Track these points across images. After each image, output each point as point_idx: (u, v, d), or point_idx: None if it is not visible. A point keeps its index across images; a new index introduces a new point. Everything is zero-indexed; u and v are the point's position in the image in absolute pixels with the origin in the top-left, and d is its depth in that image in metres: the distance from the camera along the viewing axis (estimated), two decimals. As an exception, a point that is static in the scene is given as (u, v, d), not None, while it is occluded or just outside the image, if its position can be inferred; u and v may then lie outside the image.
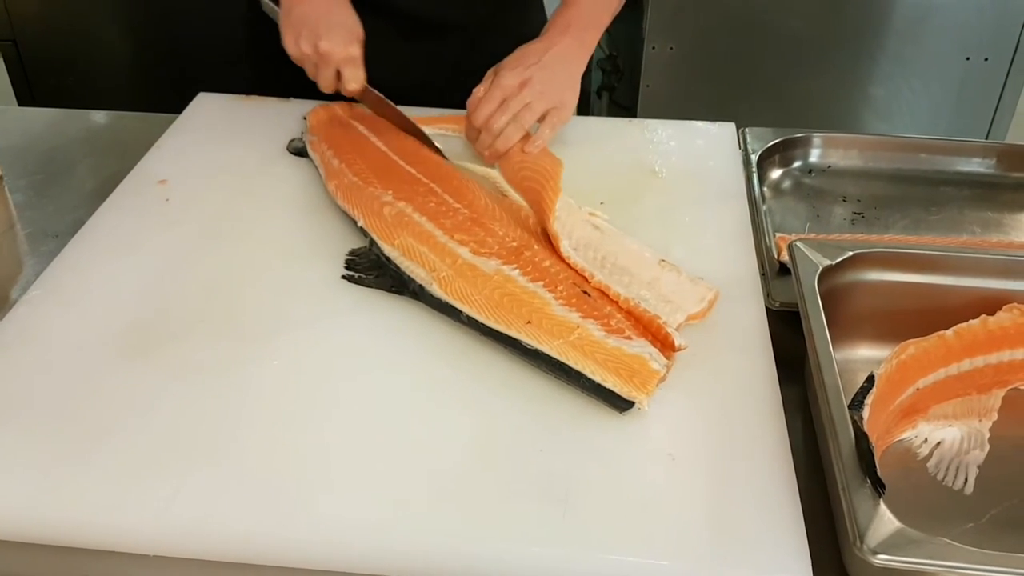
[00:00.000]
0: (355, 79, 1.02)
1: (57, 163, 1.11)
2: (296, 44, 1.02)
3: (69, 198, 1.04)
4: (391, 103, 1.05)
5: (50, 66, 2.25)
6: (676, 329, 0.77)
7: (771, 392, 0.74)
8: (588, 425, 0.71)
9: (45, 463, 0.67)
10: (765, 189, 1.05)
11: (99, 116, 1.21)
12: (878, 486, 0.60)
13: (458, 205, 0.90)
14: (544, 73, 0.99)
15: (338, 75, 1.02)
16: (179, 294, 0.84)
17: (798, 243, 0.81)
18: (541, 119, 0.99)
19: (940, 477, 0.72)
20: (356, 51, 1.02)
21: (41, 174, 1.09)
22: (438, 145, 1.02)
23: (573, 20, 1.06)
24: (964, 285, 0.81)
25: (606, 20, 1.09)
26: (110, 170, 1.05)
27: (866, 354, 0.82)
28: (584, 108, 1.14)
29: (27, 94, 2.26)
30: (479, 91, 1.00)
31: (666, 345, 0.76)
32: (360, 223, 0.89)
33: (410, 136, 1.04)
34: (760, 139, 1.08)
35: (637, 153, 1.06)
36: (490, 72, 1.02)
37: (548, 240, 0.86)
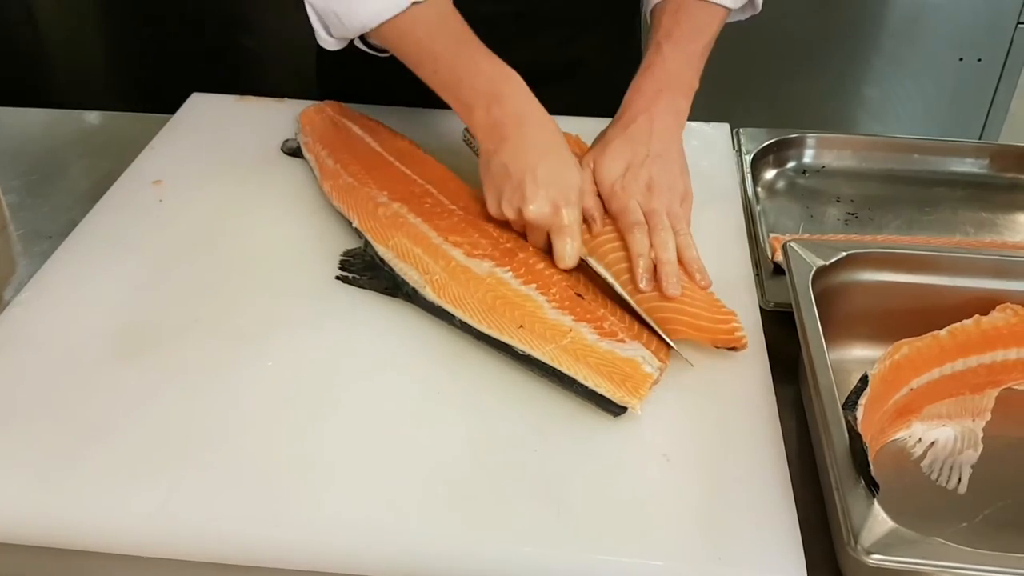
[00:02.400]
0: (569, 256, 0.81)
1: (50, 164, 1.10)
2: (498, 207, 0.84)
3: (63, 199, 1.04)
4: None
5: (42, 66, 2.24)
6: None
7: (765, 392, 0.74)
8: (582, 426, 0.71)
9: (39, 464, 0.67)
10: (759, 189, 1.05)
11: (92, 116, 1.21)
12: (872, 486, 0.60)
13: (453, 206, 0.90)
14: (659, 164, 0.86)
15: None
16: (173, 295, 0.83)
17: (792, 243, 0.81)
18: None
19: (934, 477, 0.72)
20: (570, 216, 0.80)
21: (34, 175, 1.08)
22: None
23: (664, 85, 0.91)
24: (958, 285, 0.81)
25: (695, 81, 0.94)
26: (104, 171, 1.05)
27: (860, 354, 0.82)
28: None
29: (19, 94, 2.25)
30: (595, 208, 0.85)
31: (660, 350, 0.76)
32: (355, 224, 0.89)
33: (405, 138, 1.03)
34: (754, 139, 1.08)
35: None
36: (586, 163, 0.87)
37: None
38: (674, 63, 0.92)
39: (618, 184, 0.86)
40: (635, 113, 0.90)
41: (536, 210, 0.80)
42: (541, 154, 0.82)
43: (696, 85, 0.94)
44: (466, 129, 0.91)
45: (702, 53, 0.95)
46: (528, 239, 0.85)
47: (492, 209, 0.85)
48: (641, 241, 0.81)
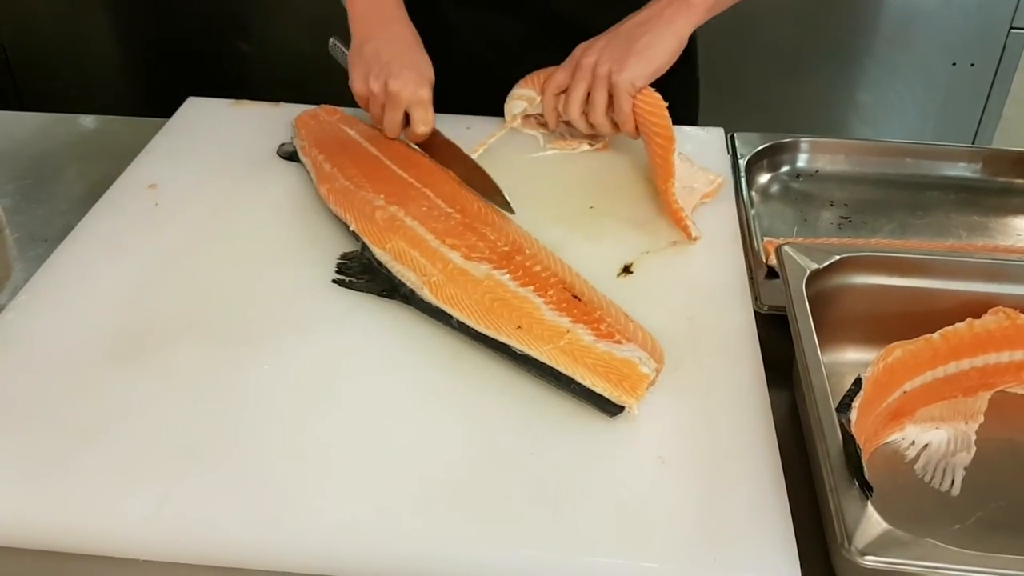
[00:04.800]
0: (425, 122, 1.00)
1: (46, 167, 1.10)
2: (364, 82, 1.00)
3: (58, 202, 1.04)
4: (460, 149, 1.01)
5: (38, 70, 2.24)
6: (692, 211, 0.93)
7: (760, 395, 0.74)
8: (578, 428, 0.71)
9: (34, 468, 0.67)
10: (753, 193, 1.06)
11: (88, 120, 1.21)
12: (866, 488, 0.61)
13: (450, 210, 0.90)
14: (618, 41, 0.99)
15: (406, 118, 1.01)
16: (169, 299, 0.83)
17: (786, 247, 0.81)
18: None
19: (927, 479, 0.73)
20: (427, 94, 1.00)
21: (30, 178, 1.08)
22: (507, 198, 0.94)
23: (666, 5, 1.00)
24: (950, 288, 0.81)
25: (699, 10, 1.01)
26: (99, 174, 1.05)
27: (853, 357, 0.83)
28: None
29: (15, 98, 2.25)
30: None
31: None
32: (352, 227, 0.89)
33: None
34: (748, 144, 1.09)
35: (627, 157, 1.06)
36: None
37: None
38: None
39: (579, 50, 1.01)
40: (641, 11, 1.01)
41: (399, 84, 0.98)
42: (406, 48, 1.02)
43: (699, 15, 1.00)
44: (334, 39, 1.07)
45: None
46: (385, 116, 1.00)
47: (357, 85, 1.01)
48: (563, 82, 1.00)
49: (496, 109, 1.10)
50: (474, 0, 1.17)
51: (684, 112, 1.09)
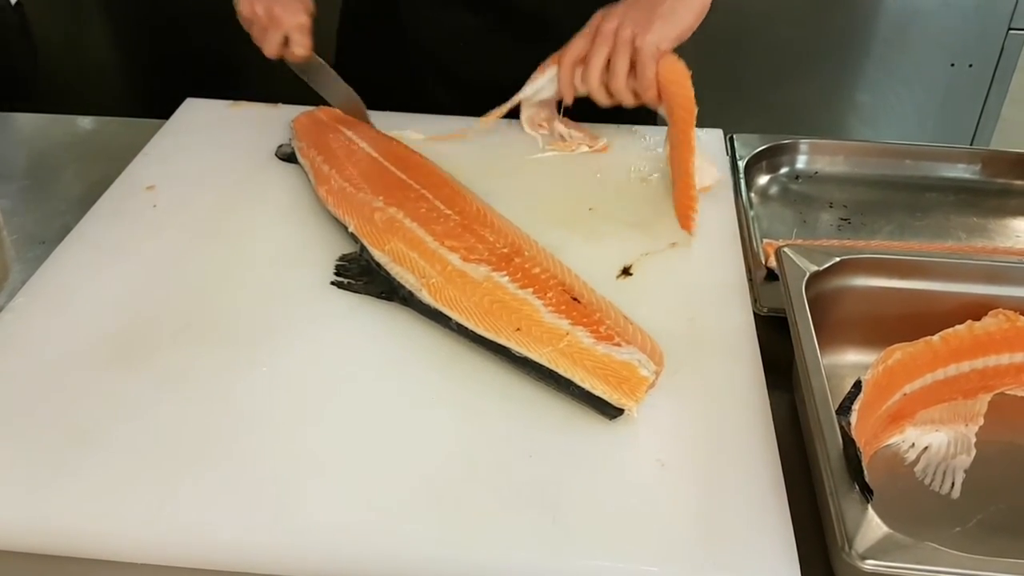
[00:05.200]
0: (302, 45, 1.05)
1: (44, 169, 1.10)
2: (250, 4, 1.04)
3: (56, 204, 1.03)
4: (338, 76, 1.07)
5: (37, 71, 2.24)
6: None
7: (759, 397, 0.74)
8: (577, 431, 0.71)
9: (33, 471, 0.67)
10: (752, 195, 1.05)
11: (86, 122, 1.21)
12: (866, 491, 0.60)
13: (449, 211, 0.90)
14: (640, 8, 0.96)
15: (285, 42, 1.05)
16: (167, 300, 0.83)
17: (785, 249, 0.81)
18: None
19: (927, 482, 0.73)
20: (306, 20, 1.04)
21: (28, 180, 1.08)
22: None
23: None
24: (950, 290, 0.81)
25: None
26: (97, 176, 1.05)
27: (853, 359, 0.82)
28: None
29: (11, 100, 2.25)
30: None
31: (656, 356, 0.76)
32: (350, 228, 0.89)
33: (401, 142, 1.04)
34: (747, 145, 1.09)
35: (627, 159, 1.06)
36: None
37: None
38: None
39: (597, 17, 0.99)
40: None
41: (280, 10, 1.03)
42: None
43: None
44: None
45: None
46: (265, 39, 1.05)
47: (243, 7, 1.05)
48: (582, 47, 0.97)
49: (458, 104, 1.10)
50: None
51: None
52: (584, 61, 0.99)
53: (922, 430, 0.77)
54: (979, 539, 0.68)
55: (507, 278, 0.81)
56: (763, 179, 1.10)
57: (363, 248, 0.87)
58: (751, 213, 0.99)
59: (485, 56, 1.14)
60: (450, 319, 0.78)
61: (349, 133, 1.05)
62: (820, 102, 2.08)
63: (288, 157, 1.05)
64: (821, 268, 0.80)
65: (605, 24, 0.97)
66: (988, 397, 0.79)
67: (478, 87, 1.06)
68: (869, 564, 0.57)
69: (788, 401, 0.78)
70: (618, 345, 0.75)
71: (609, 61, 0.97)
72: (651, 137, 1.10)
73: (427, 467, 0.68)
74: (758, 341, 0.80)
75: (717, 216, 0.96)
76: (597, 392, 0.71)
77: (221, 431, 0.70)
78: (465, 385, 0.75)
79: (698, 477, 0.68)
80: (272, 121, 1.12)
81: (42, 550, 0.65)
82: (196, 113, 1.14)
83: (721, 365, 0.77)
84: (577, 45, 0.99)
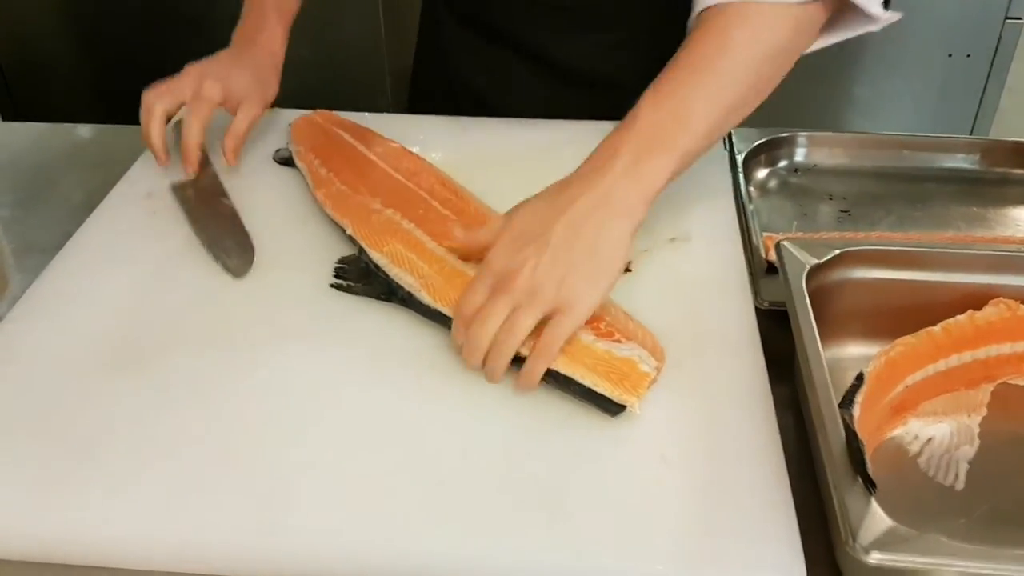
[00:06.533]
0: (192, 164, 0.98)
1: (42, 177, 1.10)
2: (196, 78, 0.99)
3: (55, 212, 1.03)
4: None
5: (33, 80, 2.24)
6: None
7: (761, 391, 0.74)
8: (578, 429, 0.71)
9: (33, 479, 0.67)
10: (751, 189, 1.05)
11: (84, 130, 1.21)
12: (869, 484, 0.60)
13: (447, 212, 0.90)
14: (557, 251, 0.71)
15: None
16: (167, 307, 0.83)
17: (785, 242, 0.81)
18: (541, 323, 0.71)
19: (931, 474, 0.72)
20: (216, 90, 0.99)
21: (27, 189, 1.08)
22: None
23: (624, 142, 0.75)
24: (951, 281, 0.81)
25: (688, 140, 0.76)
26: (96, 184, 1.05)
27: (855, 351, 0.82)
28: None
29: (10, 109, 2.25)
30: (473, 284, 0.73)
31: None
32: (348, 231, 0.89)
33: (397, 144, 1.04)
34: (745, 139, 1.09)
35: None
36: (504, 217, 0.76)
37: None
38: (652, 116, 0.76)
39: (501, 249, 0.73)
40: (577, 171, 0.76)
41: (209, 87, 0.99)
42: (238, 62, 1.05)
43: (692, 144, 0.77)
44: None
45: (715, 92, 0.78)
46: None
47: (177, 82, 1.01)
48: (459, 313, 0.73)
49: None
50: (475, 27, 1.17)
51: None
52: (479, 313, 0.72)
53: (925, 421, 0.77)
54: (985, 530, 0.68)
55: (506, 277, 0.81)
56: (762, 173, 1.10)
57: (362, 250, 0.87)
58: (750, 207, 0.99)
59: (524, 93, 1.14)
60: (449, 319, 0.78)
61: (346, 136, 1.05)
62: (818, 94, 2.07)
63: (285, 161, 1.05)
64: (821, 261, 0.79)
65: (511, 266, 0.71)
66: (991, 387, 0.79)
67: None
68: (874, 557, 0.57)
69: (790, 395, 0.78)
70: (618, 342, 0.75)
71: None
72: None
73: (426, 467, 0.68)
74: (760, 335, 0.80)
75: (716, 210, 0.96)
76: (598, 389, 0.71)
77: (222, 435, 0.70)
78: (464, 384, 0.75)
79: (701, 472, 0.67)
80: (269, 125, 1.11)
81: (42, 558, 0.65)
82: (193, 119, 1.14)
83: (722, 360, 0.77)
84: (476, 294, 0.73)
